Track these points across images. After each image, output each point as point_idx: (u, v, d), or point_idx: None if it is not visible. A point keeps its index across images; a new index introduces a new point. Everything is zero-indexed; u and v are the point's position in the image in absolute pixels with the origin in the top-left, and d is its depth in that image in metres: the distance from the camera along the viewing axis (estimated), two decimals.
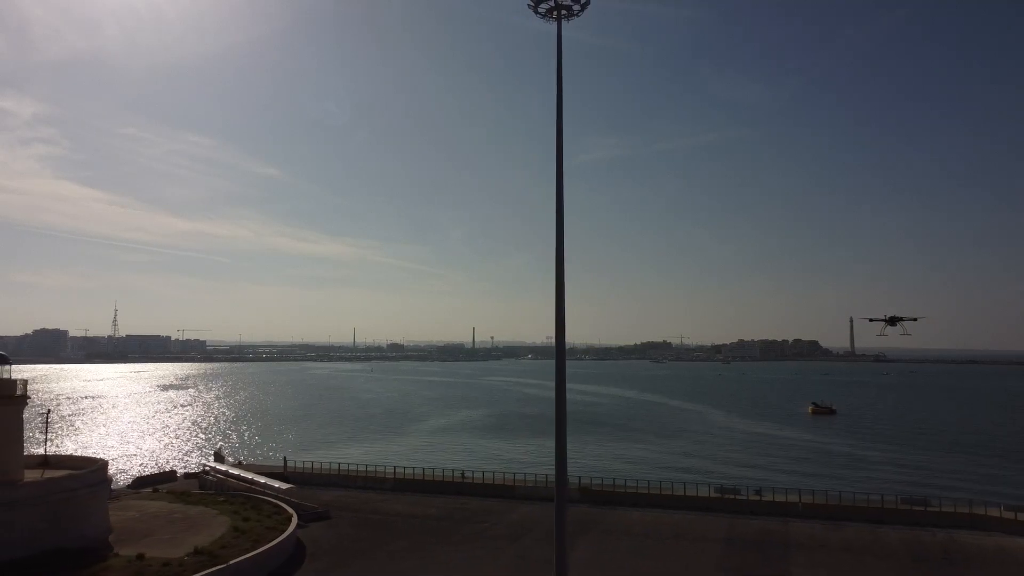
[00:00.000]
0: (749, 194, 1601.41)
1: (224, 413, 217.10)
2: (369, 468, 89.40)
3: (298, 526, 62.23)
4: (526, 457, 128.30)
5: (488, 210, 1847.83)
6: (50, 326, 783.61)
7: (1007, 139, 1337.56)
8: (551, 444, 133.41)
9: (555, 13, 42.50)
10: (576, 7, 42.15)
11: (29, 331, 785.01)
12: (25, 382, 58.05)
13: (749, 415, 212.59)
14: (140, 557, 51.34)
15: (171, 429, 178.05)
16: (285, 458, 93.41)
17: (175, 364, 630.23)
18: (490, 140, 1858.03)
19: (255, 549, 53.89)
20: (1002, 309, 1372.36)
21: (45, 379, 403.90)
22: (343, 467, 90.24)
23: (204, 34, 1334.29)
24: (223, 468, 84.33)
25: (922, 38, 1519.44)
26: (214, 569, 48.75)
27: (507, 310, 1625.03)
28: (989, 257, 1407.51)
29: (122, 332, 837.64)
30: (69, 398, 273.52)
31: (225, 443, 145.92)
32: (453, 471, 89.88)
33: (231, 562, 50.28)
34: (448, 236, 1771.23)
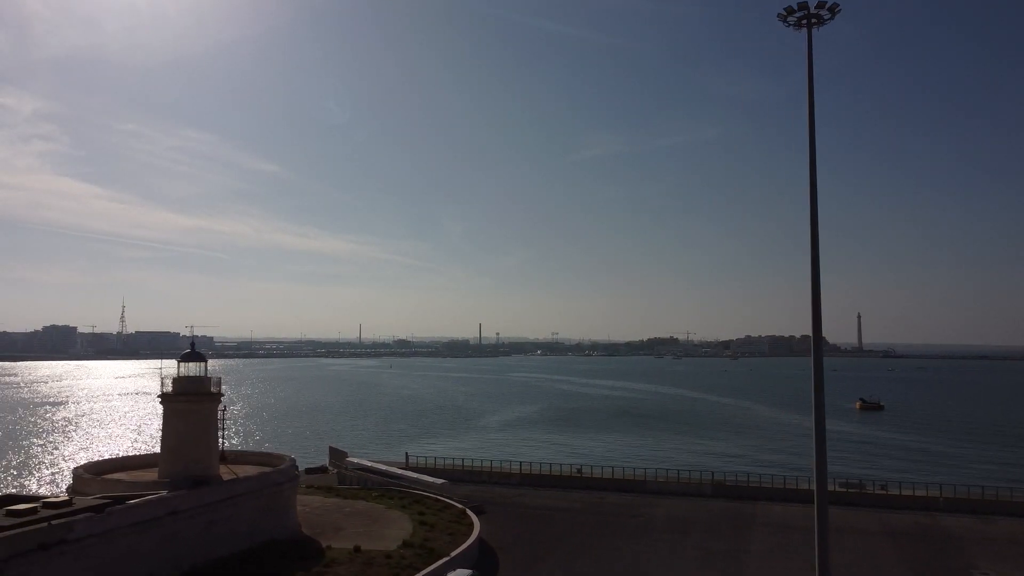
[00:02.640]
0: (754, 189, 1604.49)
1: (283, 409, 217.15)
2: (494, 463, 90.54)
3: None
4: (617, 451, 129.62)
5: (488, 206, 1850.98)
6: (54, 322, 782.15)
7: (1015, 130, 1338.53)
8: (628, 438, 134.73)
9: (805, 22, 43.79)
10: (827, 15, 43.40)
11: (38, 328, 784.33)
12: (219, 379, 59.22)
13: (796, 410, 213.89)
14: (357, 550, 52.57)
15: (242, 426, 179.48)
16: (407, 453, 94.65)
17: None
18: (490, 136, 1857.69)
19: (460, 542, 55.28)
20: (1010, 304, 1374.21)
21: (72, 375, 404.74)
22: (466, 462, 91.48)
23: (204, 30, 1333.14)
24: (366, 463, 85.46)
25: (924, 30, 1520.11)
26: (441, 562, 50.07)
27: (509, 306, 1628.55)
28: (997, 251, 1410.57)
29: (128, 328, 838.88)
30: (121, 395, 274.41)
31: (309, 438, 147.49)
32: (585, 468, 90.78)
33: (452, 554, 51.66)
34: (449, 232, 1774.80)
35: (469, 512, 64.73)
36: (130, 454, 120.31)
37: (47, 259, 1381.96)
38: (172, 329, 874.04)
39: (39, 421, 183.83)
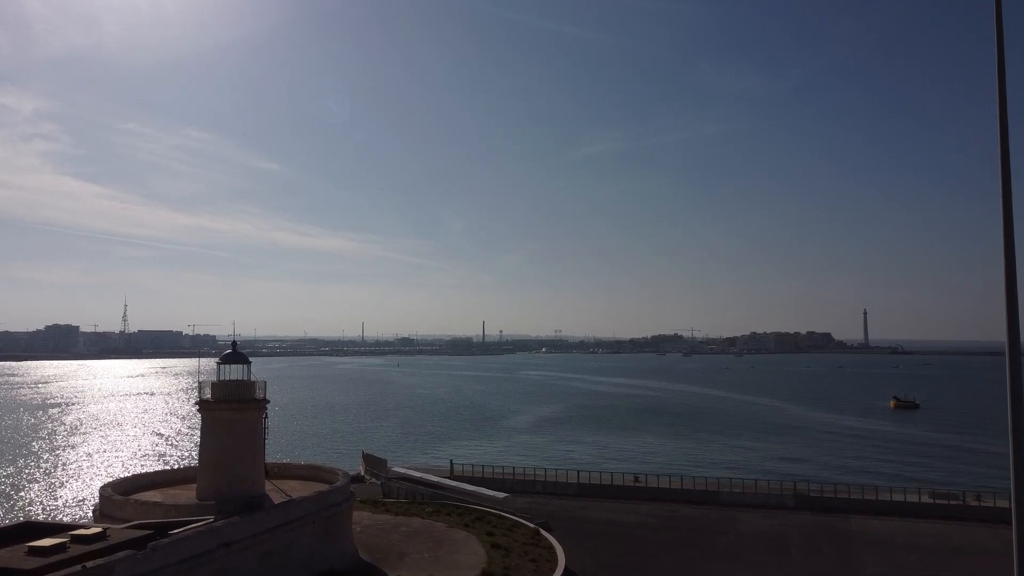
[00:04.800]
0: (756, 185, 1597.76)
1: (297, 410, 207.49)
2: (548, 471, 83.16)
3: None
4: (664, 455, 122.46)
5: (489, 204, 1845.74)
6: (55, 321, 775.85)
7: (1020, 125, 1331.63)
8: (668, 440, 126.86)
9: None
10: None
11: (40, 327, 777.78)
12: (264, 384, 51.89)
13: (829, 409, 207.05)
14: None
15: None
16: (452, 461, 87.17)
17: (191, 360, 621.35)
18: (490, 133, 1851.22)
19: (546, 570, 48.22)
20: (1019, 300, 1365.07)
21: (76, 375, 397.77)
22: (516, 470, 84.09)
23: (205, 29, 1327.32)
24: (414, 474, 78.04)
25: (931, 24, 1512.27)
26: None
27: (512, 303, 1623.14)
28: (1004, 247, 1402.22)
29: (130, 327, 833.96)
30: (129, 395, 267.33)
31: (333, 441, 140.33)
32: (644, 475, 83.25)
33: None
34: (450, 230, 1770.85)
35: (544, 533, 57.38)
36: (154, 466, 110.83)
37: (48, 258, 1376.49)
38: (174, 328, 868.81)
39: (47, 426, 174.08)
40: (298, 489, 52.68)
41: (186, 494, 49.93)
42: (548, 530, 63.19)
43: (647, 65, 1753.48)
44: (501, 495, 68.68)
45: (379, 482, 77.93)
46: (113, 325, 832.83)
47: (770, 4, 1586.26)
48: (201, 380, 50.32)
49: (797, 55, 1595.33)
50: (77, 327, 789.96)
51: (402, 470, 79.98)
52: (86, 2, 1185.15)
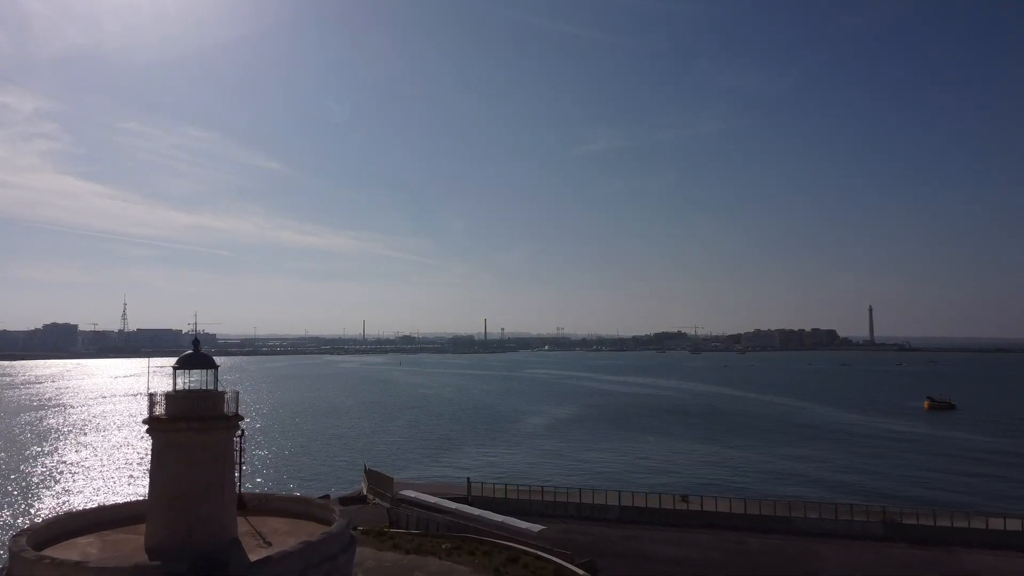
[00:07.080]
0: (759, 182, 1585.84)
1: (296, 412, 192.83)
2: (583, 492, 70.82)
3: None
4: (701, 464, 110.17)
5: (490, 202, 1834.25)
6: (55, 320, 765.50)
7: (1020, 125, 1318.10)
8: (695, 445, 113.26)
9: None
10: None
11: (38, 326, 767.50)
12: (236, 394, 39.55)
13: (859, 410, 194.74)
14: None
15: (249, 437, 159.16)
16: (469, 479, 74.77)
17: None
18: (491, 131, 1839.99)
19: None
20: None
21: (68, 375, 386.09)
22: (545, 489, 71.85)
23: (205, 28, 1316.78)
24: (427, 499, 65.61)
25: (932, 23, 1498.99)
26: None
27: (513, 301, 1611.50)
28: (1012, 243, 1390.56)
29: (130, 326, 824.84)
30: (116, 397, 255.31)
31: (335, 448, 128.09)
32: (716, 499, 70.19)
33: None
34: (451, 228, 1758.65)
35: None
36: (113, 492, 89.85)
37: (48, 257, 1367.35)
38: (174, 327, 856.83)
39: (7, 437, 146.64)
40: (281, 530, 40.59)
41: (133, 541, 37.65)
42: (595, 573, 50.97)
43: (647, 64, 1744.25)
44: (536, 528, 56.40)
45: (385, 505, 65.66)
46: (114, 324, 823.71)
47: (769, 2, 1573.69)
48: (152, 391, 37.98)
49: (797, 53, 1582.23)
50: (76, 326, 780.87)
51: (412, 493, 67.58)
52: (86, 2, 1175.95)
